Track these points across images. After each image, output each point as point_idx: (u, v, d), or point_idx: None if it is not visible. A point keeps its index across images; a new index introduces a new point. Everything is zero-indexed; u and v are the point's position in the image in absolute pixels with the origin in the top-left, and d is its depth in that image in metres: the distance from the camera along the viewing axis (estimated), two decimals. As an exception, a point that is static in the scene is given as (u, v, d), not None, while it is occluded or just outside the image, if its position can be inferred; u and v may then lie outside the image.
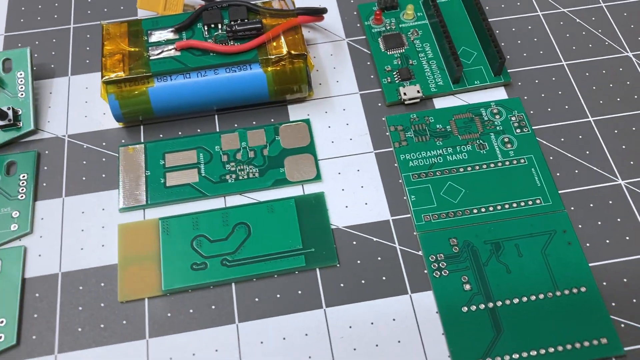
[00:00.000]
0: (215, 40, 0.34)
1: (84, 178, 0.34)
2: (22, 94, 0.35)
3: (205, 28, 0.35)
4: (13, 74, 0.36)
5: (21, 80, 0.36)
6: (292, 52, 0.34)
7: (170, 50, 0.34)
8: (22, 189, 0.33)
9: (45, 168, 0.34)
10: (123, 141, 0.35)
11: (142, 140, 0.35)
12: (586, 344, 0.29)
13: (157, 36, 0.35)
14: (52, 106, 0.36)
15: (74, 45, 0.39)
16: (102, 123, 0.36)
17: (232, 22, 0.34)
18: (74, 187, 0.34)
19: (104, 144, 0.35)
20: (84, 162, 0.34)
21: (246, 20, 0.34)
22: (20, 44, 0.38)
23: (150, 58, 0.34)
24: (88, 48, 0.39)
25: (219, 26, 0.35)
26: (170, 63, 0.34)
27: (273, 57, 0.34)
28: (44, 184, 0.34)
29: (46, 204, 0.33)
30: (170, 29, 0.35)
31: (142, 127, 0.36)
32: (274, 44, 0.34)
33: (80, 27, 0.39)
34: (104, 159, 0.35)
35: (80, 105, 0.36)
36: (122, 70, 0.33)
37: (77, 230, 0.32)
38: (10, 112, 0.34)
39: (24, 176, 0.34)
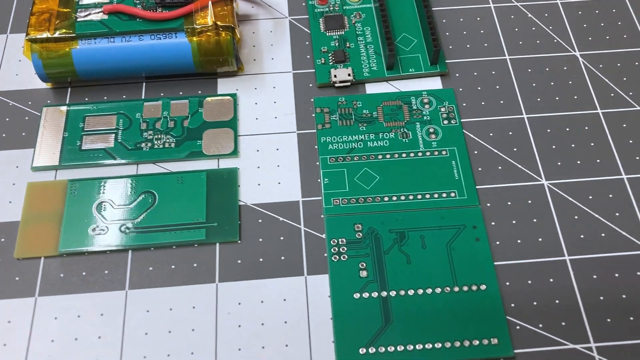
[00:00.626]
0: (144, 7, 0.34)
1: (4, 135, 0.34)
2: (-46, 47, 0.36)
3: (137, -6, 0.34)
4: (-52, 27, 0.36)
5: (-45, 34, 0.36)
6: (219, 23, 0.33)
7: (98, 13, 0.34)
8: (-59, 141, 0.33)
9: (-32, 122, 0.34)
10: (49, 101, 0.35)
11: (67, 102, 0.35)
12: (476, 342, 0.28)
13: (89, -1, 0.34)
14: (-15, 62, 0.37)
15: (17, 3, 0.39)
16: (32, 82, 0.36)
17: (162, -11, 0.34)
18: (-8, 142, 0.34)
19: (29, 103, 0.35)
20: (7, 119, 0.35)
21: (177, -11, 0.34)
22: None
23: (77, 20, 0.34)
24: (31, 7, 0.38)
25: (151, -7, 0.34)
26: (96, 26, 0.34)
27: (198, 27, 0.33)
28: (-36, 138, 0.34)
29: (-38, 157, 0.33)
30: (103, -8, 0.34)
31: (69, 89, 0.36)
32: (202, 14, 0.34)
33: (26, -13, 0.39)
34: (26, 118, 0.35)
35: (13, 64, 0.37)
36: (48, 29, 0.33)
37: (-13, 185, 0.32)
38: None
39: (-55, 128, 0.34)
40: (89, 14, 0.34)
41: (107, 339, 0.29)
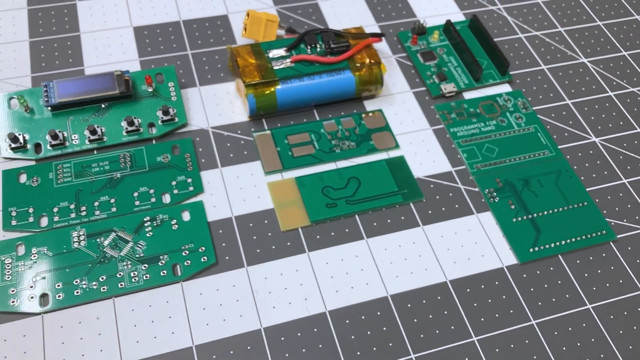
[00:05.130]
0: (318, 54, 0.49)
1: (231, 155, 0.47)
2: (174, 98, 0.48)
3: (308, 47, 0.49)
4: (165, 85, 0.49)
5: (172, 88, 0.49)
6: (372, 60, 0.49)
7: (288, 62, 0.48)
8: (189, 163, 0.46)
9: (200, 149, 0.47)
10: (253, 130, 0.49)
11: (265, 129, 0.49)
12: (589, 235, 0.45)
13: (273, 53, 0.49)
14: (191, 108, 0.49)
15: (195, 65, 0.52)
16: (233, 118, 0.49)
17: (330, 42, 0.49)
18: (225, 161, 0.47)
19: (239, 132, 0.48)
20: (228, 144, 0.47)
21: (337, 41, 0.49)
22: (166, 64, 0.51)
23: (275, 68, 0.48)
24: (207, 67, 0.52)
25: (317, 46, 0.49)
26: (288, 71, 0.48)
27: (359, 64, 0.49)
28: (203, 160, 0.46)
29: (209, 173, 0.46)
30: (284, 48, 0.49)
31: (263, 120, 0.49)
32: (359, 55, 0.49)
33: (196, 53, 0.53)
34: (242, 142, 0.48)
35: (213, 107, 0.50)
36: (257, 76, 0.47)
37: (237, 188, 0.45)
38: (171, 111, 0.47)
39: (187, 155, 0.46)
40: (282, 64, 0.48)
41: (366, 272, 0.42)
